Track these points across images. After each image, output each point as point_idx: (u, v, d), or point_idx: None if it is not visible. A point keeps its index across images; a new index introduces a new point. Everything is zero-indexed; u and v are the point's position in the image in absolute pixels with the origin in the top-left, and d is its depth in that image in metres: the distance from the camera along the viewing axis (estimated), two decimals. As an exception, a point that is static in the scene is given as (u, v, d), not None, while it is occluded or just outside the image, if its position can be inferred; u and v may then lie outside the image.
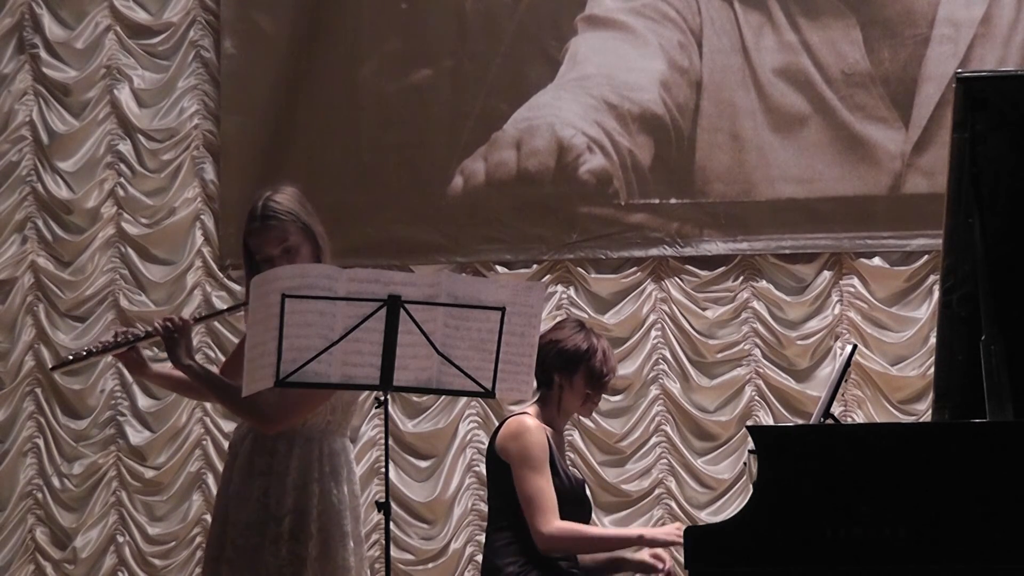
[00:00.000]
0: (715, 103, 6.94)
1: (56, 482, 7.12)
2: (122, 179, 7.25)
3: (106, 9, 7.30)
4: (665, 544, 4.44)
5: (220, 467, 6.90)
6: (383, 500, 3.91)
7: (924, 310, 6.81)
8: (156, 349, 7.13)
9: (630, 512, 6.82)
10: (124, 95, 7.27)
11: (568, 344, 4.53)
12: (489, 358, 3.86)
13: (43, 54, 7.30)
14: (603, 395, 4.67)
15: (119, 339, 4.31)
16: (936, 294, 6.10)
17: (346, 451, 4.32)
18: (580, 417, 6.70)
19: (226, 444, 6.91)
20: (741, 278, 6.94)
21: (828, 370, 6.77)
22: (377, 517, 6.78)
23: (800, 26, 6.92)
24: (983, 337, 3.69)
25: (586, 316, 6.87)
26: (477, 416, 6.99)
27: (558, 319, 4.84)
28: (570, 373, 4.53)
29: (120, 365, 4.29)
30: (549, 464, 4.45)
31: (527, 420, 4.47)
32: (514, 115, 7.01)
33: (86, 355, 4.40)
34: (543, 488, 4.37)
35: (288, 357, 3.74)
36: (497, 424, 4.66)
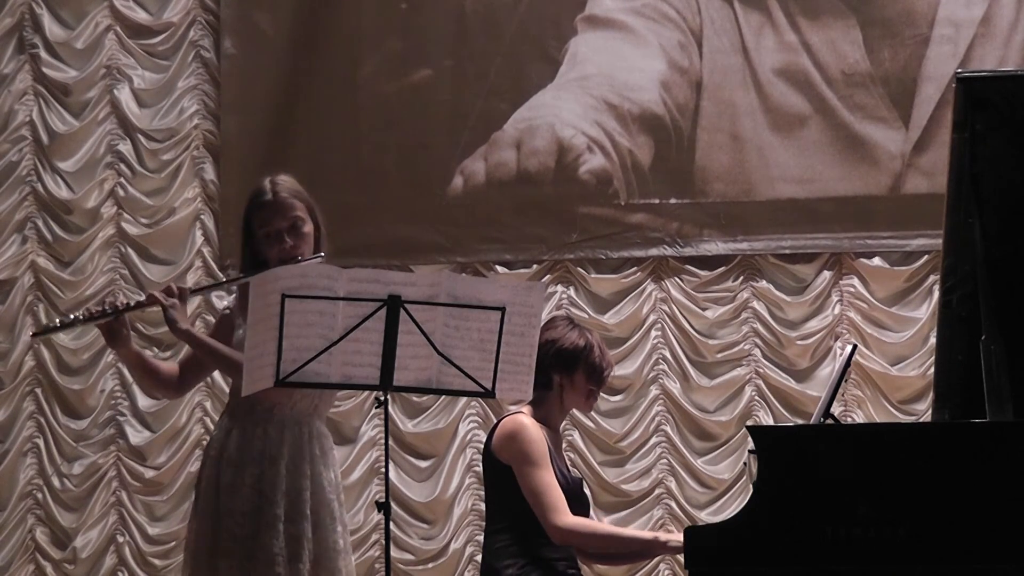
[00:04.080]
0: (715, 103, 6.94)
1: (56, 482, 7.12)
2: (122, 179, 7.25)
3: (106, 9, 7.30)
4: (678, 551, 4.40)
5: (220, 467, 6.91)
6: (383, 500, 3.92)
7: (924, 310, 6.81)
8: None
9: (630, 512, 6.82)
10: (124, 95, 7.26)
11: (566, 343, 4.52)
12: (489, 358, 3.87)
13: (43, 54, 7.30)
14: (602, 391, 4.67)
15: (107, 308, 4.29)
16: (936, 294, 6.10)
17: (328, 436, 4.42)
18: (581, 417, 6.73)
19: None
20: (741, 278, 6.94)
21: (828, 370, 6.77)
22: (377, 517, 6.78)
23: (800, 26, 6.92)
24: (983, 337, 3.69)
25: (586, 316, 6.87)
26: (477, 416, 6.99)
27: (550, 317, 4.83)
28: (571, 371, 4.52)
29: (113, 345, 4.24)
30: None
31: (522, 418, 4.46)
32: (514, 115, 7.01)
33: (71, 322, 4.39)
34: (550, 483, 4.37)
35: (288, 357, 3.75)
36: (492, 426, 4.66)
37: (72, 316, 4.41)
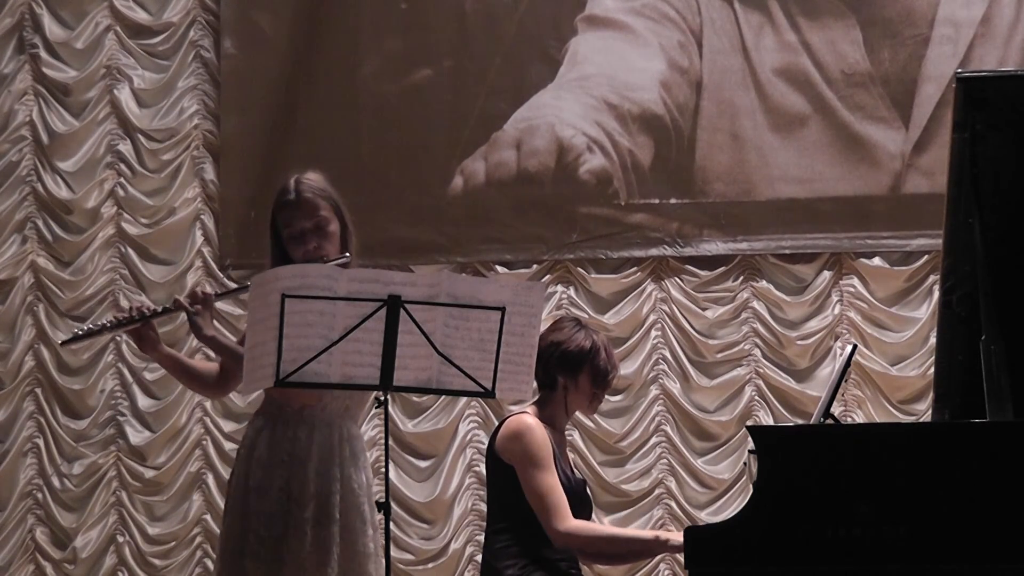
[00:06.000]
0: (715, 103, 6.94)
1: (56, 482, 7.12)
2: (122, 179, 7.25)
3: (106, 9, 7.30)
4: (679, 550, 4.40)
5: (220, 467, 6.91)
6: (383, 500, 3.92)
7: (924, 310, 6.81)
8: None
9: (630, 512, 6.82)
10: (124, 95, 7.27)
11: (571, 345, 4.51)
12: (489, 358, 3.86)
13: (43, 54, 7.30)
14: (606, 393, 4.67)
15: (134, 314, 4.25)
16: (936, 294, 6.10)
17: (361, 437, 4.37)
18: (581, 417, 6.72)
19: (226, 444, 6.94)
20: (741, 278, 6.94)
21: (828, 370, 6.77)
22: (377, 517, 6.77)
23: (800, 26, 6.92)
24: (983, 337, 3.69)
25: (586, 316, 6.87)
26: (477, 416, 6.99)
27: (557, 318, 4.83)
28: (575, 373, 4.51)
29: (131, 342, 4.23)
30: (552, 462, 4.45)
31: (527, 419, 4.46)
32: (514, 115, 7.01)
33: (99, 330, 4.34)
34: (553, 485, 4.37)
35: (288, 357, 3.74)
36: (496, 424, 4.66)
37: (100, 324, 4.35)
